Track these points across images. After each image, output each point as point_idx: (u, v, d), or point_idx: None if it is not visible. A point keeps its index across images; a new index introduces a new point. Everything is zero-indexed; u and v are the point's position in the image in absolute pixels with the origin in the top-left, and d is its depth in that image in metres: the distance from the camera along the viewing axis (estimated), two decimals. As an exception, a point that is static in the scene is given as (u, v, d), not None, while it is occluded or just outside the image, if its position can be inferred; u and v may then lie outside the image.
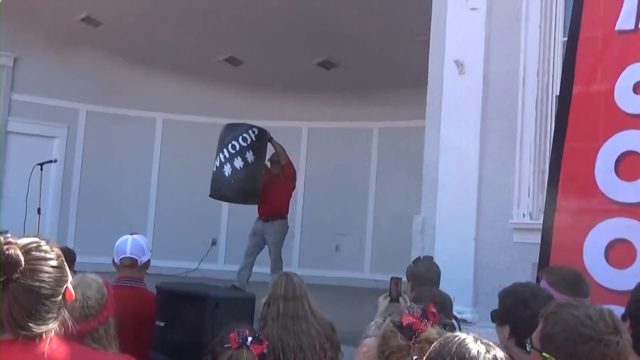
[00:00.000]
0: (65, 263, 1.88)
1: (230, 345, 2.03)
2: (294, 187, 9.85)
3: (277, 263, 9.47)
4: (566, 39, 4.45)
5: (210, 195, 9.73)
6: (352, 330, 5.74)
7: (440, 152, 5.70)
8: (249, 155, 9.12)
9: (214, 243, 13.37)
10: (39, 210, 9.74)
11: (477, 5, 5.50)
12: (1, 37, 11.91)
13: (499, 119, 5.62)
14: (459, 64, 5.52)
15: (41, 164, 9.89)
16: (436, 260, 5.86)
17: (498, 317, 3.11)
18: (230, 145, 9.17)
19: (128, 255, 4.28)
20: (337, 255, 13.12)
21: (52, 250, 1.85)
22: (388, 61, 12.03)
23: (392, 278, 3.60)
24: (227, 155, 9.19)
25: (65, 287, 1.84)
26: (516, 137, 5.56)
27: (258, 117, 13.39)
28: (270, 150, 9.70)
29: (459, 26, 5.60)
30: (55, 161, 11.13)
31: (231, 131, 9.35)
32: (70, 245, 9.58)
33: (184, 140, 13.33)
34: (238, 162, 9.09)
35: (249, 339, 2.04)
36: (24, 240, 1.82)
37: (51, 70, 12.69)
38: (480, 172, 5.58)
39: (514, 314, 3.01)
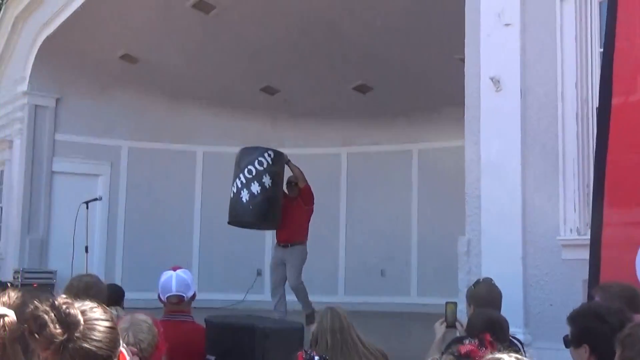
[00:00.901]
0: (117, 325, 1.87)
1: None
2: (312, 211, 9.55)
3: (297, 287, 9.22)
4: (602, 49, 4.37)
5: (229, 222, 9.50)
6: (403, 356, 5.67)
7: (482, 172, 5.62)
8: (266, 180, 8.91)
9: (259, 273, 13.38)
10: (86, 248, 9.89)
11: (511, 20, 5.45)
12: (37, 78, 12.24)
13: (540, 134, 5.54)
14: (496, 81, 5.46)
15: (87, 202, 10.05)
16: (484, 281, 5.78)
17: (574, 340, 3.01)
18: (246, 170, 8.96)
19: (174, 293, 4.28)
20: (383, 280, 13.01)
21: (106, 312, 1.84)
22: (424, 81, 11.99)
23: (446, 303, 3.53)
24: (244, 181, 8.96)
25: (119, 349, 1.83)
26: (558, 151, 5.46)
27: (296, 145, 13.48)
28: (287, 173, 9.47)
29: (493, 43, 5.56)
30: (101, 199, 11.32)
31: (247, 155, 9.13)
32: (118, 282, 9.72)
33: (224, 172, 13.37)
34: (255, 187, 8.87)
35: (316, 357, 2.02)
36: (78, 303, 1.80)
37: (92, 109, 12.94)
38: (524, 189, 5.49)
39: (591, 331, 2.94)
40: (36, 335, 1.70)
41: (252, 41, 11.79)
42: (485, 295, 4.52)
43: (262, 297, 12.95)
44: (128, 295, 5.75)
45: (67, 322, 1.72)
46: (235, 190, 9.03)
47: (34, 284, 11.36)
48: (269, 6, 10.92)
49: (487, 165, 5.57)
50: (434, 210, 12.57)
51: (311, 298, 12.59)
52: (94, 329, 1.76)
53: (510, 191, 5.50)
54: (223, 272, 12.95)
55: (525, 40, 5.49)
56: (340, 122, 13.26)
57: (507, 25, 5.46)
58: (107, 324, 1.80)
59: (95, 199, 10.71)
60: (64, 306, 1.74)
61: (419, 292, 12.78)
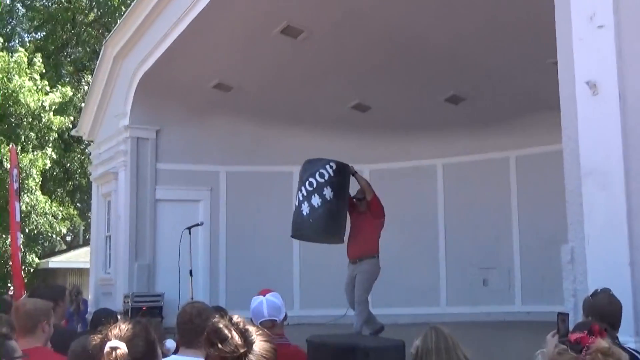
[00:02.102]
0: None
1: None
2: (382, 225, 9.08)
3: (360, 302, 8.65)
4: None
5: (292, 236, 9.34)
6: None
7: (582, 178, 5.47)
8: (327, 192, 8.57)
9: (359, 288, 13.39)
10: (190, 272, 10.19)
11: (603, 22, 5.30)
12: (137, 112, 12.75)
13: (642, 137, 5.35)
14: (592, 85, 5.31)
15: (189, 228, 10.37)
16: (590, 289, 5.60)
17: None
18: (307, 182, 8.66)
19: (267, 318, 4.34)
20: (485, 290, 12.80)
21: (270, 336, 1.97)
22: (518, 87, 11.78)
23: (559, 314, 3.44)
24: (305, 193, 8.65)
25: None
26: (662, 153, 5.26)
27: (391, 159, 13.51)
28: (355, 186, 9.12)
29: (587, 46, 5.42)
30: (202, 224, 11.66)
31: (309, 168, 8.83)
32: (222, 303, 9.95)
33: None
34: (316, 200, 8.54)
35: None
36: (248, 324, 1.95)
37: (190, 137, 13.37)
38: (628, 193, 5.30)
39: None
40: (219, 346, 1.84)
41: (340, 61, 11.91)
42: (606, 306, 4.34)
43: (363, 313, 12.99)
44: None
45: (246, 337, 1.87)
46: (297, 204, 8.80)
47: (143, 307, 11.79)
48: (356, 25, 11.00)
49: (588, 171, 5.42)
50: (535, 217, 12.30)
51: (412, 310, 12.61)
52: (263, 348, 1.90)
53: (612, 196, 5.32)
54: (323, 288, 13.05)
55: (620, 41, 5.32)
56: (434, 134, 13.18)
57: (600, 27, 5.32)
58: (271, 346, 1.93)
59: (197, 225, 11.03)
60: (242, 324, 1.89)
61: (523, 301, 12.50)
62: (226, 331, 1.86)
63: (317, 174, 8.63)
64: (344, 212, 8.87)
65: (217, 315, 1.94)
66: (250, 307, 4.39)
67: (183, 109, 13.17)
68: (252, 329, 1.90)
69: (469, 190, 13.10)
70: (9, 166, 13.36)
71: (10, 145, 16.40)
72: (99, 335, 2.39)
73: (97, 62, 15.31)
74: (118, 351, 2.21)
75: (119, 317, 4.05)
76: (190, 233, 10.51)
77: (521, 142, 12.64)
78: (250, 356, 1.86)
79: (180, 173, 13.28)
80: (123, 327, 2.35)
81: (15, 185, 13.08)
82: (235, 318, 1.91)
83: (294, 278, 13.45)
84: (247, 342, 1.87)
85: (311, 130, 13.55)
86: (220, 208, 13.53)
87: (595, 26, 5.35)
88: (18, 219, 13.10)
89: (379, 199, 9.01)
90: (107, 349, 2.22)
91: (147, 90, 12.88)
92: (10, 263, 13.39)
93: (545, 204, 11.97)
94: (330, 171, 8.65)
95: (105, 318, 5.97)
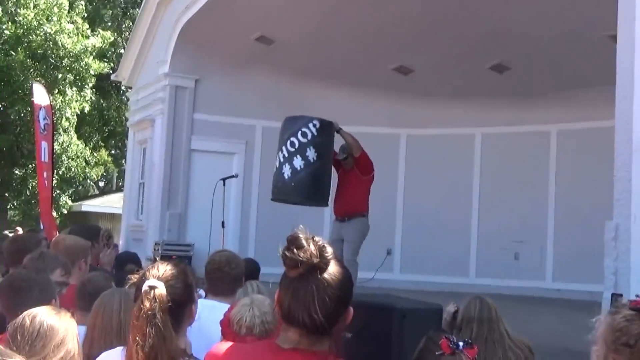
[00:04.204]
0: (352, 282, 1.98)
1: (443, 352, 1.96)
2: (371, 180, 8.52)
3: (350, 264, 7.59)
4: None
5: (272, 199, 8.58)
6: (543, 344, 5.48)
7: (634, 153, 5.29)
8: (310, 153, 7.87)
9: (389, 252, 13.36)
10: (222, 223, 10.19)
11: (671, -8, 5.09)
12: (177, 61, 12.67)
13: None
14: (652, 58, 5.12)
15: (223, 179, 10.34)
16: (632, 268, 5.46)
17: None
18: (288, 142, 7.97)
19: None
20: (516, 264, 12.67)
21: (344, 267, 1.94)
22: (565, 61, 11.50)
23: (612, 294, 3.33)
24: (286, 154, 7.96)
25: (349, 305, 1.92)
26: None
27: (430, 125, 13.33)
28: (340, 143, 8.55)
29: (651, 16, 5.20)
30: (237, 176, 11.63)
31: (290, 126, 8.13)
32: (252, 256, 9.96)
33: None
34: (298, 162, 7.87)
35: (461, 343, 1.97)
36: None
37: (228, 89, 13.30)
38: (681, 173, 5.13)
39: None
40: (294, 250, 1.84)
41: (386, 20, 11.69)
42: None
43: (391, 276, 12.97)
44: (262, 269, 5.89)
45: (321, 252, 1.85)
46: (277, 165, 8.13)
47: (173, 256, 11.83)
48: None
49: (639, 146, 5.24)
50: (572, 193, 12.10)
51: (441, 279, 12.54)
52: (337, 270, 1.88)
53: (666, 174, 5.16)
54: (353, 251, 13.00)
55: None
56: (475, 103, 12.96)
57: (667, -4, 5.09)
58: (347, 273, 1.91)
59: (232, 176, 11.00)
60: (321, 241, 1.88)
61: (555, 277, 12.37)
62: (304, 241, 1.85)
63: (300, 133, 7.95)
64: (329, 175, 8.27)
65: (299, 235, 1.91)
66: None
67: (223, 60, 13.07)
68: (330, 249, 1.88)
69: (506, 162, 12.91)
70: (39, 106, 13.32)
71: (31, 83, 16.05)
72: (136, 275, 2.35)
73: (141, 7, 15.24)
74: (156, 291, 2.17)
75: (157, 259, 4.05)
76: (224, 185, 10.49)
77: (563, 117, 12.39)
78: (325, 274, 1.84)
79: (217, 124, 13.24)
80: (162, 267, 2.31)
81: (42, 124, 13.09)
82: (319, 238, 1.90)
83: (323, 236, 13.39)
84: (322, 257, 1.85)
85: (350, 90, 13.40)
86: (254, 162, 13.50)
87: (662, -5, 5.12)
88: (45, 158, 13.15)
89: (367, 154, 8.48)
90: (145, 287, 2.17)
91: (188, 39, 12.80)
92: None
93: (584, 181, 11.77)
94: (314, 130, 7.97)
95: (129, 260, 6.00)
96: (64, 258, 3.94)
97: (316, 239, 1.87)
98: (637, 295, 1.93)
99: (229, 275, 3.85)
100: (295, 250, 1.83)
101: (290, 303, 1.84)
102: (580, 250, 11.28)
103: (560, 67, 11.71)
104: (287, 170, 7.96)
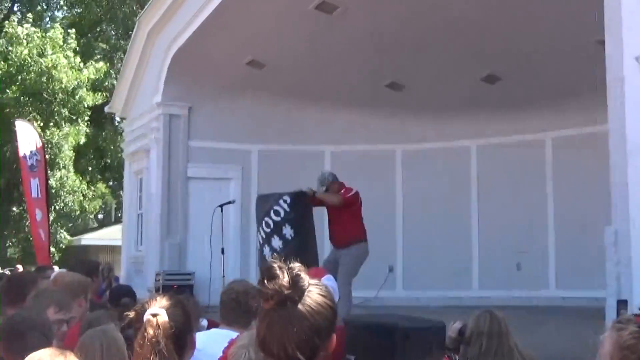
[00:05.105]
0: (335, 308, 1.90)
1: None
2: (358, 208, 8.54)
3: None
4: None
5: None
6: (549, 355, 5.43)
7: (629, 156, 5.29)
8: (287, 231, 7.92)
9: (391, 270, 13.31)
10: (222, 250, 10.16)
11: (655, -5, 5.10)
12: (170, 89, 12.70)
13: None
14: (641, 61, 5.12)
15: (221, 206, 10.32)
16: (634, 273, 5.43)
17: None
18: (264, 223, 8.01)
19: None
20: (518, 274, 12.61)
21: (329, 294, 1.88)
22: (556, 67, 11.52)
23: (618, 301, 3.30)
24: (264, 236, 8.01)
25: (332, 334, 1.86)
26: None
27: (425, 140, 13.33)
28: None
29: (637, 20, 5.21)
30: (234, 202, 11.61)
31: (262, 206, 8.22)
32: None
33: (352, 170, 13.40)
34: (276, 242, 7.92)
35: None
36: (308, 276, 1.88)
37: (222, 115, 13.31)
38: (677, 174, 5.12)
39: None
40: (265, 282, 1.78)
41: (375, 38, 11.74)
42: None
43: (393, 294, 12.91)
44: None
45: (296, 281, 1.79)
46: (258, 247, 8.17)
47: (174, 285, 11.80)
48: (392, 1, 10.82)
49: (634, 150, 5.24)
50: (571, 200, 12.08)
51: (444, 293, 12.48)
52: (315, 300, 1.81)
53: (662, 177, 5.15)
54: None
55: (673, 14, 5.12)
56: (469, 115, 12.97)
57: (652, 0, 5.11)
58: (328, 301, 1.84)
59: (229, 202, 10.99)
60: (297, 269, 1.81)
61: (558, 285, 12.31)
62: (278, 271, 1.79)
63: (272, 212, 8.02)
64: (311, 246, 8.23)
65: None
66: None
67: (216, 86, 13.09)
68: (306, 277, 1.82)
69: (503, 172, 12.89)
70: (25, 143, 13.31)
71: (15, 121, 15.37)
72: (135, 309, 2.36)
73: (131, 38, 15.29)
74: (159, 318, 2.19)
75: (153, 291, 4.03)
76: (222, 211, 10.46)
77: (557, 124, 12.39)
78: (299, 306, 1.78)
79: (212, 151, 13.23)
80: (159, 298, 2.33)
81: (29, 162, 13.09)
82: (295, 265, 1.84)
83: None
84: (296, 288, 1.78)
85: (344, 109, 13.42)
86: (251, 186, 13.46)
87: (647, -1, 5.13)
88: (37, 195, 13.13)
89: (347, 193, 8.48)
90: (147, 316, 2.20)
91: (180, 67, 12.83)
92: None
93: (581, 187, 11.76)
94: (285, 206, 8.03)
95: (124, 294, 5.95)
96: (59, 294, 3.89)
97: (292, 266, 1.82)
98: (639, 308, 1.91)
99: (244, 305, 3.79)
100: (267, 281, 1.78)
101: (265, 335, 1.79)
102: (582, 257, 11.24)
103: (552, 74, 11.73)
104: (267, 252, 7.98)
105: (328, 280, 4.29)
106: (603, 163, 5.94)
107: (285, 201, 8.05)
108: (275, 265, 1.80)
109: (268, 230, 7.97)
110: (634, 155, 5.27)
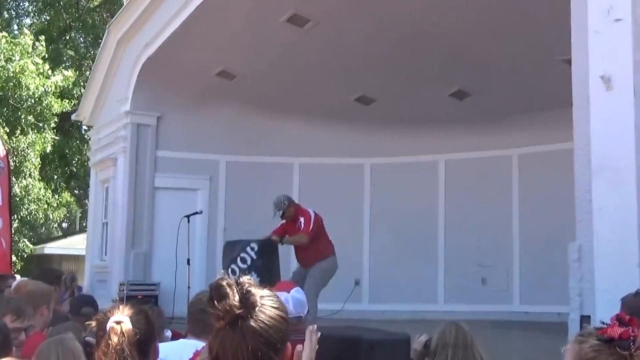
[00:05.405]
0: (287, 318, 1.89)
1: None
2: (322, 228, 8.67)
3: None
4: None
5: None
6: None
7: (593, 174, 5.37)
8: (253, 278, 7.99)
9: (357, 283, 13.31)
10: (188, 261, 10.08)
11: (621, 15, 5.20)
12: (139, 98, 12.61)
13: (655, 134, 5.23)
14: (606, 80, 5.21)
15: (188, 216, 10.25)
16: (597, 289, 5.50)
17: None
18: (230, 270, 7.97)
19: (293, 315, 4.26)
20: (483, 289, 12.70)
21: (281, 305, 1.87)
22: (523, 85, 11.68)
23: (582, 317, 3.33)
24: None
25: (287, 342, 1.85)
26: (675, 151, 5.15)
27: (393, 153, 13.40)
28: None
29: (602, 40, 5.31)
30: (201, 212, 11.53)
31: (229, 253, 8.26)
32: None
33: (320, 183, 13.44)
34: None
35: None
36: (258, 288, 1.85)
37: (191, 125, 13.24)
38: (639, 192, 5.20)
39: None
40: (215, 303, 1.76)
41: (345, 51, 11.79)
42: None
43: (360, 307, 12.90)
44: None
45: (246, 298, 1.77)
46: None
47: (139, 296, 11.67)
48: (363, 16, 10.89)
49: (598, 167, 5.32)
50: (536, 216, 12.21)
51: (410, 307, 12.51)
52: (267, 314, 1.79)
53: (625, 194, 5.23)
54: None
55: (638, 34, 5.22)
56: (437, 130, 13.07)
57: (617, 20, 5.21)
58: (280, 313, 1.83)
59: (196, 213, 10.91)
60: (247, 285, 1.79)
61: (522, 300, 12.43)
62: (227, 289, 1.77)
63: (239, 259, 8.07)
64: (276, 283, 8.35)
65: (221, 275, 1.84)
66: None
67: (185, 96, 13.03)
68: (257, 292, 1.80)
69: (470, 187, 13.00)
70: None
71: None
72: (97, 318, 2.34)
73: (100, 46, 15.17)
74: (123, 325, 2.18)
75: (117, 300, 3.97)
76: (189, 221, 10.38)
77: (524, 140, 12.55)
78: (251, 322, 1.76)
79: (180, 161, 13.15)
80: (122, 307, 2.32)
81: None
82: (244, 280, 1.80)
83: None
84: (247, 304, 1.76)
85: (313, 121, 13.44)
86: (219, 197, 13.41)
87: (612, 19, 5.24)
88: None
89: (308, 224, 8.50)
90: (111, 323, 2.19)
91: (149, 76, 12.75)
92: None
93: (546, 203, 11.89)
94: (252, 254, 8.11)
95: (85, 304, 5.85)
96: (16, 302, 3.82)
97: (242, 281, 1.80)
98: (602, 322, 1.91)
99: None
100: (217, 302, 1.76)
101: (218, 352, 1.77)
102: (546, 272, 11.36)
103: (519, 91, 11.89)
104: None
105: (297, 292, 4.29)
106: (568, 180, 6.02)
107: (252, 249, 8.12)
108: (224, 284, 1.78)
109: (234, 277, 7.89)
110: (598, 172, 5.35)
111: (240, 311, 1.75)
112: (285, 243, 8.56)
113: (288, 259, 9.65)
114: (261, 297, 1.80)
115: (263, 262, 8.11)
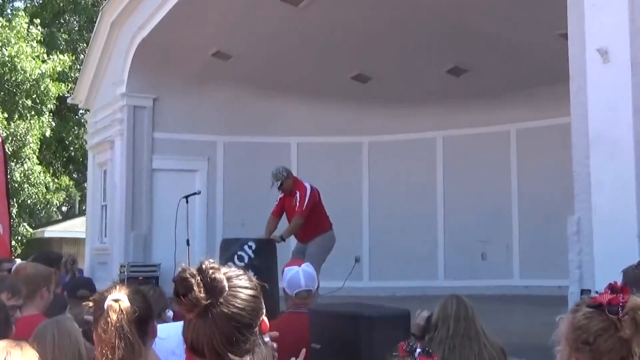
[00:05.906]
0: (261, 294, 1.86)
1: (398, 353, 1.93)
2: (319, 202, 8.61)
3: None
4: None
5: None
6: (513, 341, 5.49)
7: (591, 147, 5.36)
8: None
9: (357, 260, 13.34)
10: (187, 241, 10.07)
11: (617, -13, 5.17)
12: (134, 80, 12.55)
13: (652, 106, 5.22)
14: (603, 52, 5.19)
15: (186, 197, 10.23)
16: (596, 261, 5.51)
17: None
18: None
19: (304, 288, 4.29)
20: (483, 264, 12.75)
21: (251, 281, 1.84)
22: (520, 60, 11.64)
23: (582, 291, 3.34)
24: None
25: (261, 318, 1.82)
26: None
27: (391, 131, 13.37)
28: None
29: (599, 12, 5.28)
30: (199, 193, 11.51)
31: (226, 250, 8.12)
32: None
33: (319, 162, 13.42)
34: None
35: (418, 350, 1.93)
36: (224, 269, 1.81)
37: (187, 106, 13.20)
38: (637, 162, 5.20)
39: None
40: (181, 298, 1.72)
41: (341, 30, 11.73)
42: None
43: (361, 284, 12.95)
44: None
45: (212, 286, 1.72)
46: None
47: (139, 277, 11.70)
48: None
49: (596, 140, 5.31)
50: (535, 190, 12.24)
51: (410, 283, 12.56)
52: (237, 296, 1.76)
53: (622, 165, 5.23)
54: (322, 260, 12.95)
55: (634, 6, 5.19)
56: (435, 106, 13.05)
57: (613, -8, 5.18)
58: (250, 292, 1.79)
59: (194, 193, 10.90)
60: (210, 271, 1.74)
61: (522, 275, 12.48)
62: (191, 281, 1.72)
63: (236, 257, 7.84)
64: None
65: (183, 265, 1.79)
66: (284, 277, 4.35)
67: (181, 77, 12.97)
68: (223, 276, 1.74)
69: (468, 163, 13.00)
70: None
71: None
72: (94, 298, 2.33)
73: (94, 29, 15.08)
74: (121, 303, 2.17)
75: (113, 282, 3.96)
76: (187, 202, 10.38)
77: (522, 115, 12.53)
78: (222, 307, 1.72)
79: (177, 142, 13.13)
80: (119, 287, 2.31)
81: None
82: (207, 265, 1.75)
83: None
84: (214, 293, 1.72)
85: (310, 100, 13.40)
86: (217, 178, 13.40)
87: (609, -9, 5.20)
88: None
89: (303, 201, 8.40)
90: (109, 302, 2.17)
91: (144, 57, 12.68)
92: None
93: (545, 177, 11.91)
94: (250, 252, 7.92)
95: (82, 286, 5.85)
96: (11, 280, 3.83)
97: (205, 267, 1.74)
98: (596, 292, 1.92)
99: None
100: (182, 297, 1.72)
101: (192, 340, 1.75)
102: (546, 246, 11.40)
103: (515, 66, 11.85)
104: None
105: (307, 266, 4.33)
106: (566, 154, 6.02)
107: (250, 247, 7.93)
108: (187, 275, 1.73)
109: (198, 263, 7.86)
110: (596, 145, 5.34)
111: (207, 302, 1.71)
112: (286, 237, 8.41)
113: (287, 259, 9.60)
114: (229, 278, 1.76)
115: (260, 262, 7.87)
